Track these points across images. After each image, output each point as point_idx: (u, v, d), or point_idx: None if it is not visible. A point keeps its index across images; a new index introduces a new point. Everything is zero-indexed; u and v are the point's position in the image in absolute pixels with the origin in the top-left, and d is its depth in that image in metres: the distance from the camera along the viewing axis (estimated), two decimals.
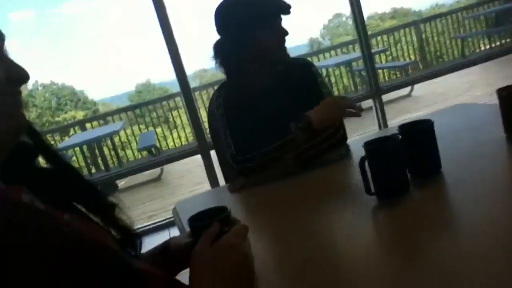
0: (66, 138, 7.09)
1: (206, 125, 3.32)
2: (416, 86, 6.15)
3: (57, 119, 15.09)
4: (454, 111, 1.72)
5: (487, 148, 1.20)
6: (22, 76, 0.64)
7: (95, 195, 0.79)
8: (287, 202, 1.25)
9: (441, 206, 0.98)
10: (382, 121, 3.75)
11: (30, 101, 15.38)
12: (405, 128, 1.10)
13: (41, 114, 15.24)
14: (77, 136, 6.29)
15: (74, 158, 6.14)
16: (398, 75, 7.19)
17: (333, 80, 7.16)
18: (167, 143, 7.08)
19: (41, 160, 0.76)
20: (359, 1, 3.50)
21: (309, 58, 7.20)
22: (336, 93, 6.97)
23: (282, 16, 1.51)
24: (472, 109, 1.79)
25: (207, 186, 3.99)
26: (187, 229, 0.87)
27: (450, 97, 5.83)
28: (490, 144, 1.22)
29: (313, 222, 1.06)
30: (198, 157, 3.56)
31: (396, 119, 5.00)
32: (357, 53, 6.07)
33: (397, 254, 0.83)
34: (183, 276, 0.83)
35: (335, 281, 0.79)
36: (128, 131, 6.88)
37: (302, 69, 1.60)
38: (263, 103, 1.52)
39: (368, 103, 4.01)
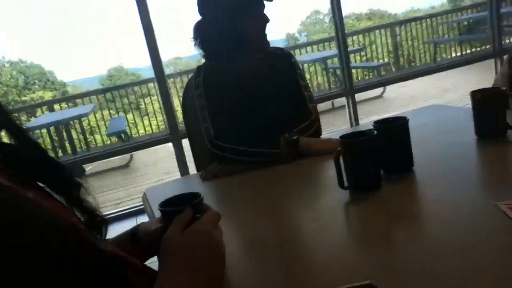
0: (33, 118, 6.87)
1: (179, 114, 3.28)
2: (387, 88, 6.26)
3: (24, 98, 14.62)
4: (427, 112, 1.75)
5: (459, 149, 1.22)
6: None
7: (60, 174, 0.76)
8: (259, 192, 1.24)
9: (411, 202, 1.00)
10: (355, 120, 3.79)
11: None
12: (380, 123, 1.11)
13: (7, 93, 14.74)
14: (44, 117, 6.10)
15: (40, 139, 5.97)
16: (371, 76, 7.29)
17: (308, 76, 7.20)
18: (137, 130, 6.97)
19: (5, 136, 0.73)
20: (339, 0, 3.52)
21: None
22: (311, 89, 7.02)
23: (266, 3, 1.50)
24: (444, 111, 1.83)
25: (177, 176, 3.95)
26: (158, 215, 0.85)
27: (420, 101, 5.95)
28: (461, 145, 1.24)
29: (285, 213, 1.06)
30: (169, 146, 3.52)
31: (367, 119, 5.07)
32: (333, 50, 6.12)
33: (365, 246, 0.85)
34: (152, 264, 0.81)
35: (305, 271, 0.79)
36: (98, 116, 6.73)
37: (283, 59, 1.60)
38: (242, 87, 1.50)
39: (340, 101, 4.04)
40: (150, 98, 7.06)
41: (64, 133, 5.79)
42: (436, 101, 5.76)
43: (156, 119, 6.80)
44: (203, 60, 1.58)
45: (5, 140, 0.72)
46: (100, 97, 6.63)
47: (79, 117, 5.57)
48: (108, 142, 6.18)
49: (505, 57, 1.53)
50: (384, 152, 1.07)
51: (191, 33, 1.55)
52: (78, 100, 6.79)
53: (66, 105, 6.69)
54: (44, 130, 5.64)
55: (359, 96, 4.46)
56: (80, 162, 3.97)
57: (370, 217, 0.96)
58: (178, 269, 0.68)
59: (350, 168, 1.04)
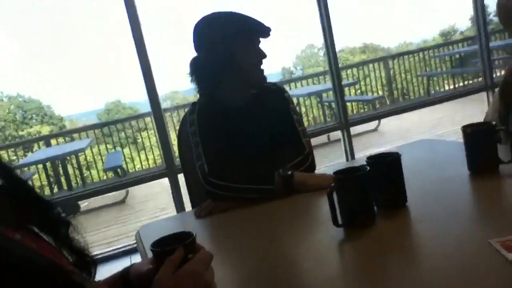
0: (30, 153, 6.87)
1: (176, 147, 3.29)
2: (382, 122, 6.31)
3: (21, 133, 14.63)
4: (420, 146, 1.76)
5: (451, 184, 1.23)
6: None
7: (48, 213, 0.76)
8: (254, 230, 1.24)
9: (406, 239, 1.00)
10: (350, 153, 3.81)
11: None
12: (373, 159, 1.12)
13: (4, 127, 14.75)
14: (41, 152, 6.10)
15: (36, 175, 5.95)
16: (366, 109, 7.36)
17: (303, 110, 7.26)
18: (134, 164, 6.95)
19: None
20: (332, 34, 3.59)
21: None
22: (306, 123, 7.07)
23: (261, 39, 1.53)
24: (437, 145, 1.84)
25: (172, 212, 3.91)
26: (150, 255, 0.84)
27: (415, 134, 5.99)
28: (454, 180, 1.25)
29: (279, 252, 1.05)
30: (165, 181, 3.50)
31: (363, 152, 5.09)
32: (328, 84, 6.20)
33: (360, 284, 0.84)
34: None
35: None
36: (95, 150, 6.74)
37: (276, 94, 1.62)
38: (236, 123, 1.52)
39: (336, 135, 4.07)
40: (147, 132, 7.08)
41: (60, 168, 5.77)
42: (430, 134, 5.81)
43: (153, 153, 6.80)
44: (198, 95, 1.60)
45: None
46: (97, 132, 6.65)
47: (75, 152, 5.56)
48: (105, 177, 6.16)
49: (496, 90, 1.56)
50: (377, 188, 1.07)
51: (188, 68, 1.57)
52: (75, 135, 6.81)
53: (63, 140, 6.70)
54: (40, 166, 5.62)
55: (354, 130, 4.50)
56: (76, 198, 3.94)
57: (365, 254, 0.95)
58: None
59: (344, 205, 1.04)
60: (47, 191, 5.84)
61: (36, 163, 5.50)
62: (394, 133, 6.32)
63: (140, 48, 3.18)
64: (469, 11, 4.10)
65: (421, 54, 7.83)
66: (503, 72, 1.83)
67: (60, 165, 5.74)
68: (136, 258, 1.58)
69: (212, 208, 1.40)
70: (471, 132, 1.22)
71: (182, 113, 5.89)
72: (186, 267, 0.72)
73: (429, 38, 13.71)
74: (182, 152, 1.70)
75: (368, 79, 7.90)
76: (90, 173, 7.07)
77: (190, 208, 1.67)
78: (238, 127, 1.51)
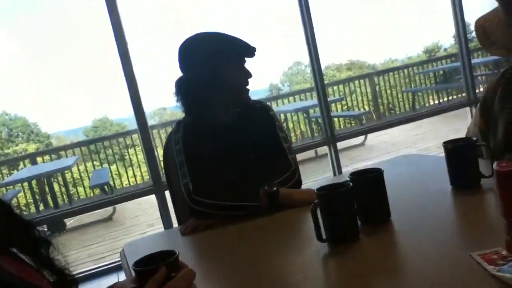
0: (15, 171, 6.78)
1: (163, 164, 3.29)
2: (369, 136, 6.37)
3: (6, 151, 14.44)
4: (404, 161, 1.79)
5: (434, 199, 1.25)
6: None
7: (28, 234, 0.76)
8: (239, 247, 1.24)
9: (390, 254, 1.01)
10: (337, 168, 3.83)
11: None
12: (355, 175, 1.13)
13: None
14: (26, 170, 6.03)
15: (21, 193, 5.87)
16: (353, 124, 7.43)
17: (291, 125, 7.31)
18: (121, 181, 6.90)
19: None
20: (317, 52, 3.64)
21: (268, 103, 7.30)
22: (293, 138, 7.11)
23: (247, 59, 1.55)
24: (421, 160, 1.87)
25: (160, 228, 3.89)
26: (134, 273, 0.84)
27: (401, 148, 6.06)
28: (437, 195, 1.27)
29: (264, 268, 1.06)
30: (153, 197, 3.49)
31: (350, 166, 5.12)
32: (315, 100, 6.26)
33: None
34: None
35: None
36: (81, 167, 6.68)
37: (261, 112, 1.63)
38: (221, 142, 1.53)
39: (323, 150, 4.10)
40: (135, 149, 7.05)
41: (46, 186, 5.71)
42: (416, 148, 5.88)
43: (140, 170, 6.76)
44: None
45: None
46: (84, 149, 6.61)
47: (61, 170, 5.51)
48: (92, 194, 6.10)
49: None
50: (360, 204, 1.09)
51: (173, 87, 1.58)
52: (62, 152, 6.75)
53: (49, 157, 6.64)
54: (25, 184, 5.56)
55: (342, 144, 4.54)
56: (62, 216, 3.90)
57: (349, 269, 0.96)
58: None
59: (327, 221, 1.05)
60: (32, 209, 5.76)
61: (21, 181, 5.44)
62: (381, 148, 6.38)
63: (126, 66, 3.19)
64: (452, 28, 4.20)
65: (406, 71, 7.96)
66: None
67: (46, 183, 5.68)
68: (124, 275, 1.56)
69: (197, 225, 1.40)
70: (452, 148, 1.25)
71: (169, 130, 5.89)
72: (168, 285, 0.72)
73: (413, 55, 13.95)
74: (168, 171, 1.71)
75: (354, 95, 7.99)
76: (77, 190, 6.99)
77: (177, 225, 1.67)
78: (224, 146, 1.52)
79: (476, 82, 4.90)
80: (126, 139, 6.95)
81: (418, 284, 0.83)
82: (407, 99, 7.73)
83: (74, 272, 0.81)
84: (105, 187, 5.19)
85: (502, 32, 1.38)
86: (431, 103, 7.84)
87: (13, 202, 5.51)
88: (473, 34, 1.52)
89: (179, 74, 1.58)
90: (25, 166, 6.45)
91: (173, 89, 1.57)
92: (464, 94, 4.43)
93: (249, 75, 1.54)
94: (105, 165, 6.69)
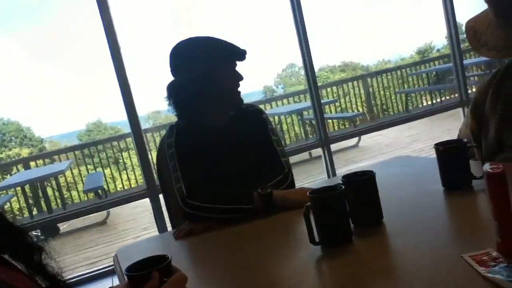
0: (8, 176, 6.74)
1: (156, 168, 3.28)
2: (363, 137, 6.39)
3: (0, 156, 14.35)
4: (396, 162, 1.79)
5: (426, 200, 1.25)
6: None
7: (20, 240, 0.75)
8: (232, 250, 1.24)
9: (382, 256, 1.01)
10: (331, 170, 3.84)
11: None
12: (348, 178, 1.14)
13: None
14: (19, 175, 6.00)
15: (14, 198, 5.84)
16: (347, 126, 7.46)
17: (285, 127, 7.32)
18: (115, 185, 6.88)
19: None
20: (310, 54, 3.65)
21: (262, 105, 7.29)
22: (287, 140, 7.12)
23: (238, 62, 1.55)
24: (414, 161, 1.88)
25: (154, 232, 3.88)
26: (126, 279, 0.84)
27: (394, 149, 6.08)
28: (429, 196, 1.27)
29: (257, 271, 1.06)
30: (147, 201, 3.48)
31: (345, 168, 5.14)
32: (309, 102, 6.28)
33: None
34: None
35: None
36: (75, 171, 6.65)
37: (254, 116, 1.64)
38: (214, 145, 1.53)
39: (317, 151, 4.11)
40: (128, 152, 7.03)
41: (40, 191, 5.68)
42: (409, 149, 5.90)
43: (135, 174, 6.75)
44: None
45: None
46: (78, 152, 6.58)
47: (54, 174, 5.49)
48: (86, 198, 6.07)
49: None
50: (353, 206, 1.09)
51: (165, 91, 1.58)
52: (56, 156, 6.72)
53: (42, 162, 6.61)
54: (18, 188, 5.53)
55: (336, 146, 4.56)
56: (55, 221, 3.88)
57: (342, 271, 0.97)
58: None
59: (320, 223, 1.05)
60: (26, 214, 5.73)
61: (14, 185, 5.41)
62: (375, 149, 6.40)
63: (119, 70, 3.18)
64: (445, 29, 4.22)
65: (399, 72, 8.00)
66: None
67: (39, 187, 5.65)
68: (117, 280, 1.56)
69: (191, 229, 1.39)
70: (443, 149, 1.26)
71: (164, 133, 5.88)
72: None
73: (406, 55, 14.01)
74: (161, 175, 1.71)
75: (348, 97, 8.02)
76: (71, 194, 6.96)
77: (171, 229, 1.66)
78: (217, 149, 1.52)
79: (469, 83, 4.94)
80: (120, 142, 6.94)
81: (410, 286, 0.84)
82: (401, 100, 7.77)
83: (67, 277, 0.81)
84: (99, 191, 5.17)
85: (492, 34, 1.39)
86: (424, 104, 7.88)
87: (6, 207, 5.48)
88: (465, 35, 1.53)
89: (171, 78, 1.58)
90: (18, 170, 6.42)
91: (166, 92, 1.57)
92: (456, 95, 4.45)
93: (240, 78, 1.55)
94: (99, 169, 6.67)
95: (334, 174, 3.85)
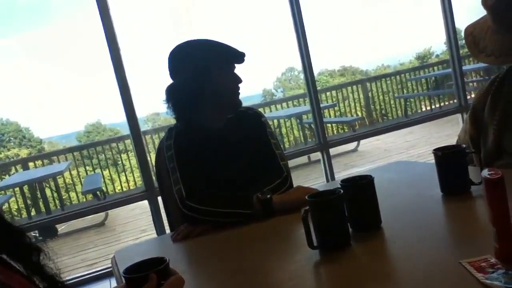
0: (7, 176, 6.74)
1: (155, 170, 3.28)
2: (362, 142, 6.39)
3: None
4: (396, 167, 1.80)
5: (424, 206, 1.26)
6: None
7: (18, 240, 0.75)
8: (230, 254, 1.24)
9: (381, 260, 1.01)
10: (330, 174, 3.84)
11: None
12: (346, 182, 1.14)
13: None
14: (18, 175, 6.00)
15: (13, 199, 5.83)
16: (346, 130, 7.46)
17: (284, 131, 7.32)
18: (114, 186, 6.87)
19: None
20: (309, 58, 3.66)
21: (261, 108, 7.28)
22: (286, 144, 7.12)
23: (237, 65, 1.56)
24: (412, 166, 1.88)
25: (153, 234, 3.87)
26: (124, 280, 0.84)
27: (393, 154, 6.09)
28: (427, 201, 1.28)
29: (255, 275, 1.06)
30: (146, 202, 3.47)
31: (343, 172, 5.14)
32: (308, 106, 6.29)
33: None
34: None
35: None
36: (74, 173, 6.65)
37: (253, 119, 1.64)
38: (213, 148, 1.53)
39: (316, 155, 4.11)
40: (127, 154, 7.03)
41: (38, 192, 5.67)
42: (408, 154, 5.90)
43: (133, 175, 6.74)
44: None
45: None
46: (77, 154, 6.58)
47: (53, 175, 5.48)
48: (84, 199, 6.07)
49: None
50: (351, 211, 1.09)
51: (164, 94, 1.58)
52: (54, 157, 6.72)
53: (41, 163, 6.61)
54: (17, 189, 5.52)
55: (335, 150, 4.55)
56: (53, 222, 3.87)
57: (340, 276, 0.97)
58: None
59: (318, 228, 1.06)
60: (24, 215, 5.72)
61: (13, 186, 5.40)
62: (373, 154, 6.40)
63: (118, 71, 3.18)
64: (444, 35, 4.23)
65: (398, 77, 8.01)
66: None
67: (37, 188, 5.65)
68: (115, 282, 1.56)
69: (189, 232, 1.39)
70: (442, 155, 1.26)
71: (162, 135, 5.88)
72: None
73: (406, 61, 14.04)
74: (160, 177, 1.70)
75: (347, 101, 8.03)
76: (69, 195, 6.95)
77: (170, 231, 1.66)
78: (216, 152, 1.52)
79: (467, 89, 4.94)
80: (119, 144, 6.94)
81: None
82: (400, 105, 7.78)
83: (65, 278, 0.81)
84: (98, 192, 5.17)
85: (491, 40, 1.39)
86: (423, 109, 7.89)
87: (4, 207, 5.47)
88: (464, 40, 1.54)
89: (170, 80, 1.58)
90: (16, 171, 6.41)
91: (164, 95, 1.58)
92: (455, 101, 4.46)
93: (239, 80, 1.55)
94: (98, 171, 6.66)
95: (333, 178, 3.85)
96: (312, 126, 4.48)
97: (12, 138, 15.63)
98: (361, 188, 1.13)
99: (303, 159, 5.83)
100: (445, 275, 0.87)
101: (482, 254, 0.86)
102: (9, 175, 6.66)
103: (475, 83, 7.51)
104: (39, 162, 6.64)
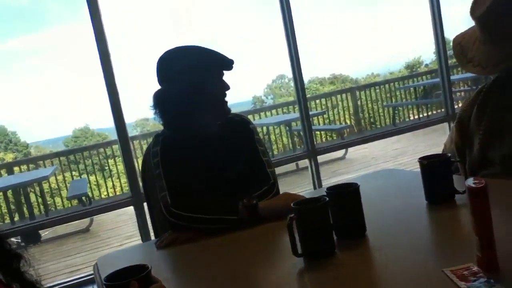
0: None
1: (141, 177, 3.25)
2: (350, 149, 6.42)
3: None
4: (381, 175, 1.80)
5: (409, 214, 1.26)
6: None
7: None
8: (214, 261, 1.23)
9: (365, 268, 1.01)
10: (317, 181, 3.85)
11: None
12: (332, 190, 1.14)
13: None
14: (2, 180, 5.91)
15: None
16: (335, 137, 7.49)
17: (273, 138, 7.33)
18: (100, 192, 6.81)
19: None
20: (299, 65, 3.67)
21: (251, 115, 7.29)
22: (275, 151, 7.12)
23: (225, 72, 1.55)
24: (399, 174, 1.89)
25: (138, 241, 3.84)
26: None
27: (381, 162, 6.12)
28: (412, 210, 1.28)
29: (239, 282, 1.05)
30: (132, 208, 3.44)
31: (331, 179, 5.14)
32: (297, 113, 6.31)
33: None
34: None
35: None
36: (60, 178, 6.57)
37: (241, 126, 1.63)
38: (200, 155, 1.52)
39: (304, 162, 4.11)
40: (115, 159, 6.98)
41: (22, 197, 5.59)
42: (395, 162, 5.94)
43: (120, 181, 6.68)
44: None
45: None
46: (63, 158, 6.51)
47: (38, 180, 5.41)
48: (69, 205, 6.00)
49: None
50: (336, 218, 1.09)
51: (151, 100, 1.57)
52: (40, 162, 6.64)
53: (26, 167, 6.52)
54: (0, 194, 5.44)
55: (323, 158, 4.56)
56: (37, 227, 3.82)
57: (323, 285, 0.96)
58: None
59: (303, 235, 1.05)
60: (7, 220, 5.63)
61: None
62: (361, 161, 6.43)
63: (107, 76, 3.16)
64: (433, 45, 4.28)
65: (387, 86, 8.08)
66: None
67: (22, 193, 5.57)
68: None
69: (174, 239, 1.38)
70: (427, 163, 1.26)
71: (151, 141, 5.85)
72: None
73: (395, 70, 14.17)
74: (146, 184, 1.69)
75: (336, 109, 8.07)
76: (54, 201, 6.87)
77: (155, 238, 1.64)
78: (203, 159, 1.51)
79: (455, 98, 5.00)
80: (107, 149, 6.88)
81: None
82: (388, 114, 7.84)
83: (47, 285, 0.79)
84: (83, 198, 5.11)
85: (478, 50, 1.41)
86: (411, 118, 7.95)
87: None
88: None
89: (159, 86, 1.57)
90: (1, 175, 6.32)
91: (152, 101, 1.56)
92: (443, 110, 4.50)
93: (227, 87, 1.54)
94: (84, 176, 6.60)
95: (320, 185, 3.85)
96: (301, 133, 4.50)
97: None
98: (346, 195, 1.13)
99: (291, 166, 5.83)
100: (427, 283, 0.87)
101: (465, 262, 0.86)
102: None
103: (462, 93, 7.59)
104: (24, 167, 6.55)
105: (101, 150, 7.02)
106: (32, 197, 5.78)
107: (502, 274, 0.82)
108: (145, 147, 6.22)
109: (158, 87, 1.57)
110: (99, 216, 5.19)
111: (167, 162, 1.50)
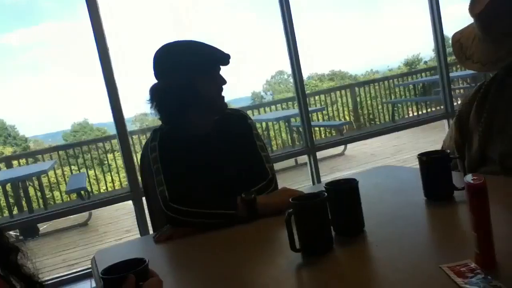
0: None
1: (139, 171, 3.25)
2: (349, 146, 6.42)
3: None
4: (380, 172, 1.80)
5: (408, 210, 1.26)
6: None
7: None
8: (212, 255, 1.23)
9: (363, 264, 1.01)
10: (316, 177, 3.85)
11: None
12: (331, 186, 1.14)
13: None
14: (1, 174, 5.91)
15: None
16: (334, 134, 7.49)
17: (272, 134, 7.32)
18: (99, 186, 6.81)
19: None
20: (299, 62, 3.66)
21: (250, 111, 7.28)
22: (274, 147, 7.12)
23: (222, 66, 1.55)
24: (397, 171, 1.89)
25: (137, 235, 3.84)
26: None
27: (380, 158, 6.12)
28: (411, 206, 1.28)
29: (237, 277, 1.05)
30: (130, 203, 3.44)
31: (330, 176, 5.15)
32: (296, 109, 6.30)
33: None
34: None
35: None
36: (59, 172, 6.57)
37: (239, 120, 1.63)
38: (198, 150, 1.52)
39: (303, 158, 4.11)
40: (114, 154, 6.98)
41: (21, 190, 5.59)
42: (394, 158, 5.94)
43: (119, 176, 6.68)
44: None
45: None
46: (62, 153, 6.50)
47: (37, 174, 5.41)
48: (68, 199, 6.00)
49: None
50: (334, 214, 1.09)
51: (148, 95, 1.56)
52: (39, 156, 6.64)
53: (25, 161, 6.52)
54: None
55: (322, 153, 4.56)
56: (36, 221, 3.82)
57: (321, 281, 0.96)
58: None
59: (301, 231, 1.05)
60: (6, 213, 5.64)
61: None
62: (360, 158, 6.43)
63: (106, 71, 3.15)
64: (432, 42, 4.27)
65: (386, 82, 8.08)
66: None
67: (21, 187, 5.57)
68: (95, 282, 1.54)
69: (172, 233, 1.38)
70: (426, 160, 1.26)
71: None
72: None
73: (394, 67, 14.16)
74: (144, 178, 1.69)
75: (335, 105, 8.06)
76: (53, 195, 6.87)
77: (153, 232, 1.64)
78: (201, 154, 1.51)
79: (454, 95, 4.99)
80: (106, 144, 6.88)
81: None
82: (387, 111, 7.83)
83: (45, 279, 0.79)
84: (82, 192, 5.11)
85: (477, 47, 1.41)
86: (410, 114, 7.95)
87: None
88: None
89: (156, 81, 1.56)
90: (0, 169, 6.32)
91: (148, 95, 1.56)
92: (442, 107, 4.50)
93: (223, 82, 1.54)
94: (83, 170, 6.60)
95: (319, 181, 3.85)
96: (300, 129, 4.50)
97: None
98: (345, 191, 1.13)
99: (290, 161, 5.84)
100: (425, 279, 0.87)
101: (462, 259, 0.86)
102: None
103: (461, 90, 7.59)
104: (23, 161, 6.55)
105: (100, 144, 7.01)
106: (31, 191, 5.77)
107: (500, 270, 0.82)
108: (144, 141, 6.22)
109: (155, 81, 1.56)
110: (98, 210, 5.19)
111: (165, 156, 1.50)
